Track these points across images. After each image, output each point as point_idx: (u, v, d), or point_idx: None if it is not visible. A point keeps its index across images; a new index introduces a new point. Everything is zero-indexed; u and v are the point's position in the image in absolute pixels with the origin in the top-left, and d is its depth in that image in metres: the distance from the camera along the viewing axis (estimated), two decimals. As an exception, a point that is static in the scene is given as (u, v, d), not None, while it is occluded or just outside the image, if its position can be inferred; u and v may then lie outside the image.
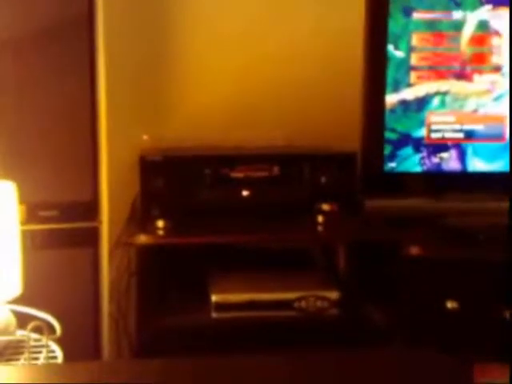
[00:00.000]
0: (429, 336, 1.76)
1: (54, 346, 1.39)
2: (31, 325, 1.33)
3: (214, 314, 1.80)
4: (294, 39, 2.12)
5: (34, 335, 1.37)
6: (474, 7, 1.91)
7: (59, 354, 1.38)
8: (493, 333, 1.77)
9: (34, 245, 1.65)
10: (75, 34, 1.68)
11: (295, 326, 1.83)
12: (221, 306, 1.80)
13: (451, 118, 1.95)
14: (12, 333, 1.40)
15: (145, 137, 2.07)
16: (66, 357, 1.38)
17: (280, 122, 2.11)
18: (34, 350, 1.37)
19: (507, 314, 1.76)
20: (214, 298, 1.80)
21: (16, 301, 1.43)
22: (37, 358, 1.35)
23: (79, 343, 1.61)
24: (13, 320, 1.42)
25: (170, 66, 2.12)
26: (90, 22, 1.69)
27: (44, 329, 1.34)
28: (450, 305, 1.76)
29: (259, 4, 2.11)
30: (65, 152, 1.70)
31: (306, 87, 2.12)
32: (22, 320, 1.41)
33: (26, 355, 1.34)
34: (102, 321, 1.73)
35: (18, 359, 1.35)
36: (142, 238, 1.75)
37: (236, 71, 2.13)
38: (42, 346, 1.36)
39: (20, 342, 1.39)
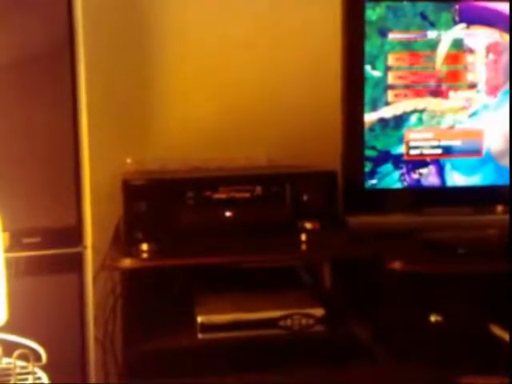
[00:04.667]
0: (414, 350, 1.78)
1: (41, 373, 1.38)
2: (17, 352, 1.34)
3: (200, 335, 1.81)
4: (274, 60, 2.15)
5: (20, 363, 1.36)
6: (448, 26, 1.94)
7: (46, 380, 1.38)
8: (478, 346, 1.78)
9: (17, 272, 1.64)
10: (56, 60, 1.68)
11: (281, 345, 1.83)
12: (206, 327, 1.81)
13: (429, 135, 1.98)
14: (-3, 361, 1.39)
15: (128, 160, 2.08)
16: (53, 382, 1.38)
17: (261, 142, 2.14)
18: (21, 377, 1.36)
19: (492, 327, 1.78)
20: (199, 319, 1.81)
21: (1, 328, 1.42)
22: (23, 386, 1.35)
23: (66, 368, 1.60)
24: (-2, 348, 1.42)
25: (151, 88, 2.14)
26: (71, 47, 1.69)
27: (30, 356, 1.34)
28: (433, 318, 1.78)
29: (240, 28, 2.14)
30: (46, 177, 1.69)
31: (286, 107, 2.16)
32: (8, 348, 1.41)
33: (12, 383, 1.34)
34: (88, 345, 1.73)
35: (4, 387, 1.36)
36: (127, 262, 1.75)
37: (217, 93, 2.15)
38: (29, 373, 1.36)
39: (6, 369, 1.38)
